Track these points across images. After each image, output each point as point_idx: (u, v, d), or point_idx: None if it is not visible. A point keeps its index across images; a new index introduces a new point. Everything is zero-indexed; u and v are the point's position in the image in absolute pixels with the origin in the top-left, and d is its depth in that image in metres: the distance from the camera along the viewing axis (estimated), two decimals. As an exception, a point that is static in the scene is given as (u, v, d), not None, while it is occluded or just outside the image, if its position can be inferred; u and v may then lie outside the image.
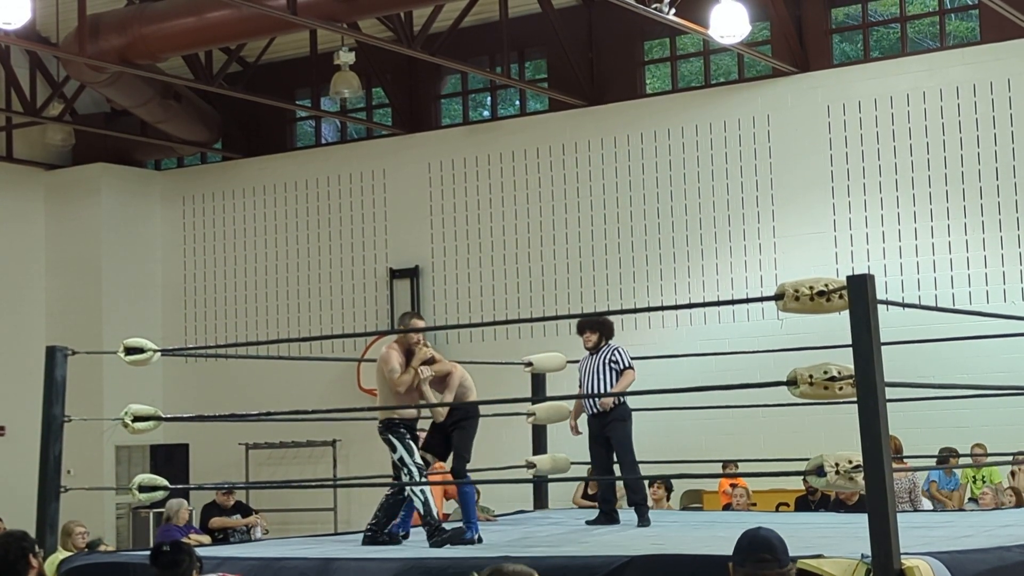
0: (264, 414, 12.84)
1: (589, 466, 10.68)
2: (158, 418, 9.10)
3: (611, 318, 10.94)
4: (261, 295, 20.85)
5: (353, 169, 20.32)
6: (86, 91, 19.73)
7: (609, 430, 10.28)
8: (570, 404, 10.85)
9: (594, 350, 10.37)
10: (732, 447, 14.94)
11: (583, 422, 10.72)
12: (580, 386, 10.49)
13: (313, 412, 12.15)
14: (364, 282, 20.08)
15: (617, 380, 10.22)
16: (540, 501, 12.21)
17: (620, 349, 10.45)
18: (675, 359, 14.20)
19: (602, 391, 10.18)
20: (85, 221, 20.94)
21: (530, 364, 11.18)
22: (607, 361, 10.31)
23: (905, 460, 13.04)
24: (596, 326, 10.40)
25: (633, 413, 10.78)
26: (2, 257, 20.58)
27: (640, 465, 10.65)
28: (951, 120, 16.39)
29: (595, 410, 10.35)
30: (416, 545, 9.18)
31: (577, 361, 10.79)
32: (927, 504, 13.66)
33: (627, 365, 10.31)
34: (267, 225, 20.91)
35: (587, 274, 18.40)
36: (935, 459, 13.83)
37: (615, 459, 10.36)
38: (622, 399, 10.33)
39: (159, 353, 9.23)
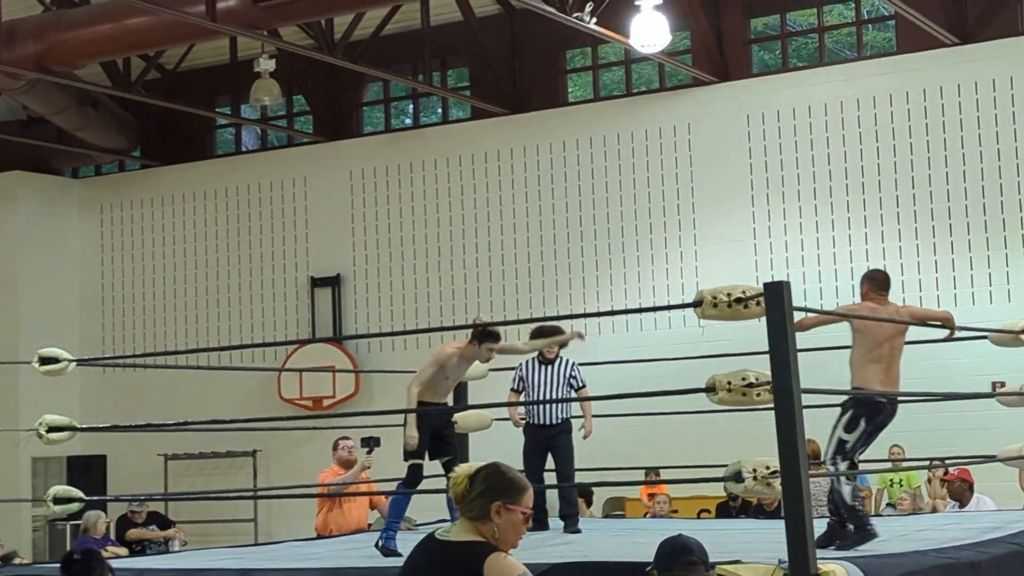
0: (182, 424, 12.67)
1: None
2: (73, 428, 8.95)
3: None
4: (180, 304, 20.65)
5: (274, 177, 20.18)
6: (1, 98, 19.44)
7: (556, 441, 10.24)
8: (493, 412, 10.83)
9: (552, 361, 10.31)
10: (654, 454, 14.99)
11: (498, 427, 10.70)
12: (531, 392, 10.32)
13: (232, 422, 12.03)
14: (285, 291, 19.95)
15: (573, 395, 10.25)
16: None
17: (577, 366, 10.44)
18: (598, 366, 14.22)
19: (557, 406, 10.15)
20: (1, 229, 20.62)
21: None
22: (566, 376, 10.27)
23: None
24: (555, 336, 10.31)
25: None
26: (-84, 266, 20.23)
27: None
28: (868, 129, 16.59)
29: (547, 421, 10.25)
30: (344, 554, 9.11)
31: (512, 368, 10.67)
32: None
33: (583, 384, 10.35)
34: (186, 233, 20.71)
35: (510, 282, 18.41)
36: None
37: (552, 469, 10.31)
38: (570, 414, 10.32)
39: (74, 363, 9.09)
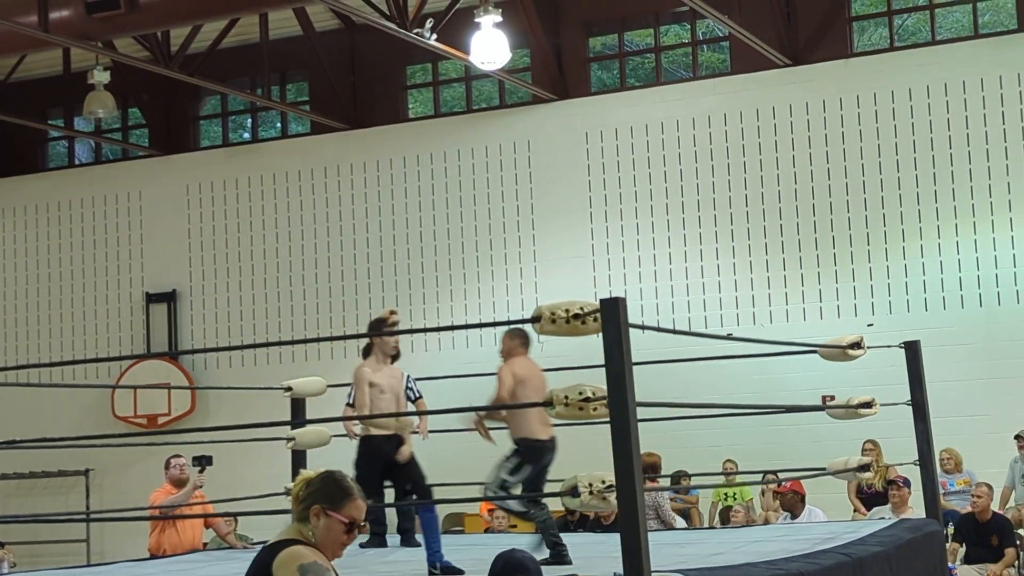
0: (10, 443, 12.34)
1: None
2: None
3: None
4: (11, 319, 20.12)
5: (108, 191, 19.80)
6: None
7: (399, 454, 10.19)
8: (331, 427, 10.73)
9: None
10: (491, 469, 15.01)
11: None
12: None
13: (63, 439, 11.75)
14: (119, 306, 19.57)
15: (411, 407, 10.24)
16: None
17: (411, 378, 10.43)
18: (437, 380, 14.22)
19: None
20: None
21: (290, 389, 11.03)
22: (405, 388, 10.25)
23: (658, 480, 13.33)
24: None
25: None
26: None
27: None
28: (703, 147, 16.92)
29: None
30: (176, 574, 8.96)
31: (343, 385, 10.62)
32: (681, 521, 13.99)
33: (419, 395, 10.35)
34: (16, 248, 20.20)
35: (349, 297, 18.33)
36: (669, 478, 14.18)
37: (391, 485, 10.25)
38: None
39: None
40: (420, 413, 10.38)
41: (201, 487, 11.44)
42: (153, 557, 11.18)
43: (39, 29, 14.68)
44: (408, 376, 10.37)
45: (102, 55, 17.12)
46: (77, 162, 20.91)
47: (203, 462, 11.24)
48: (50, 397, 18.85)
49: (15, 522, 17.64)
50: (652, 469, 13.37)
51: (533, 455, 8.44)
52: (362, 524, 4.38)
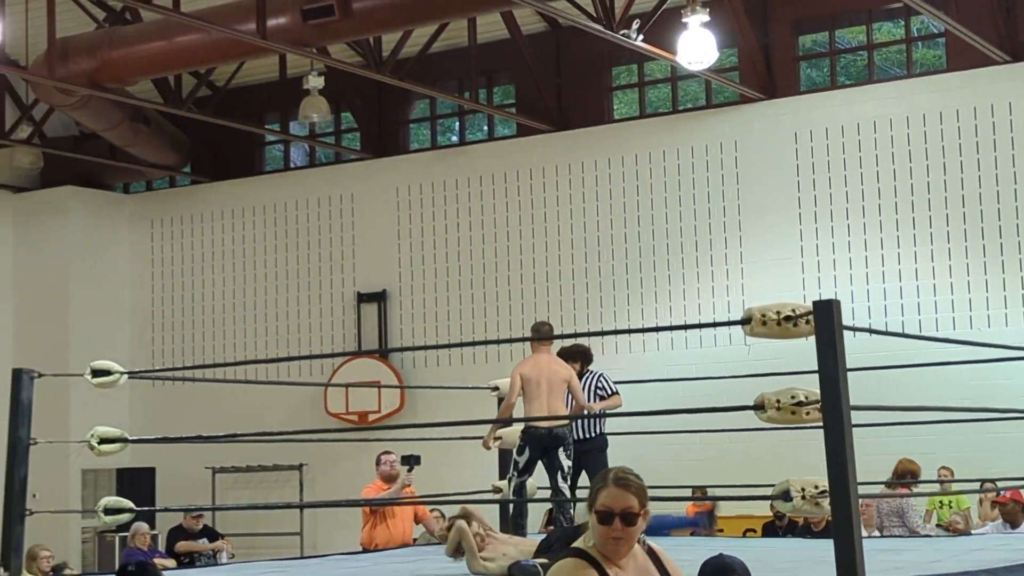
0: (230, 436, 12.78)
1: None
2: (124, 440, 9.03)
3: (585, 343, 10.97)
4: (229, 319, 20.79)
5: (321, 193, 20.31)
6: (55, 114, 19.67)
7: (588, 457, 10.23)
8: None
9: (580, 377, 10.33)
10: (699, 473, 14.95)
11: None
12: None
13: (279, 434, 12.11)
14: (332, 306, 20.05)
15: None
16: (505, 525, 12.16)
17: (604, 375, 10.46)
18: (642, 384, 14.21)
19: (588, 420, 10.18)
20: (53, 244, 20.84)
21: (496, 388, 11.18)
22: (592, 389, 10.30)
23: (895, 486, 12.99)
24: (577, 355, 10.38)
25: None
26: (-32, 279, 20.45)
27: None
28: (917, 147, 16.52)
29: (578, 436, 10.26)
30: (389, 568, 9.15)
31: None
32: (928, 528, 13.62)
33: (614, 391, 10.34)
34: (235, 249, 20.86)
35: (554, 299, 18.43)
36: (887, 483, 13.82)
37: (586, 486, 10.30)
38: (601, 429, 10.31)
39: (126, 376, 9.18)
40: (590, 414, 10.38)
41: (410, 486, 11.65)
42: (365, 551, 11.43)
43: (257, 36, 15.14)
44: (597, 374, 10.39)
45: (317, 61, 17.56)
46: (292, 165, 21.49)
47: (411, 462, 11.44)
48: (266, 394, 19.41)
49: (233, 509, 18.23)
50: (910, 475, 13.07)
51: (530, 441, 9.79)
52: (618, 512, 4.14)
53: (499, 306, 18.80)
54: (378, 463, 12.10)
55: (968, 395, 14.55)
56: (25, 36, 17.18)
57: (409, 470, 11.47)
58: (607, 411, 10.25)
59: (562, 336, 17.31)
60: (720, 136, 17.63)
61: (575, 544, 4.24)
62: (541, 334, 9.95)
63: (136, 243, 21.57)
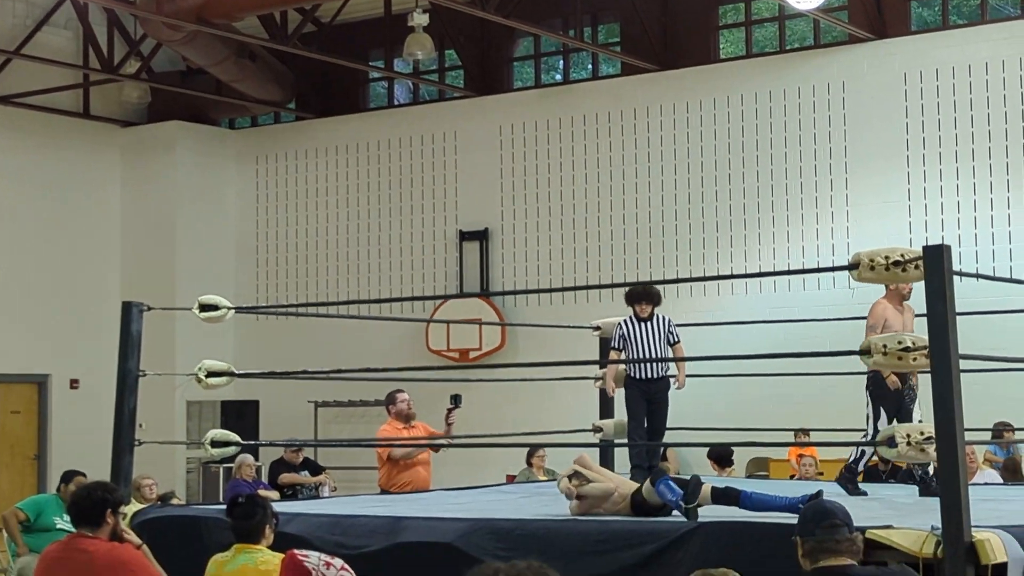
0: (333, 372, 12.93)
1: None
2: (231, 374, 9.18)
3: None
4: (332, 255, 20.98)
5: (424, 131, 20.36)
6: (162, 49, 19.89)
7: (657, 397, 10.35)
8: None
9: (649, 319, 10.40)
10: (800, 416, 14.85)
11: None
12: (633, 353, 10.39)
13: (383, 371, 12.21)
14: (434, 243, 20.14)
15: (671, 351, 10.37)
16: (605, 465, 12.20)
17: (671, 322, 10.50)
18: (741, 326, 14.14)
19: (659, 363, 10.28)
20: (160, 178, 21.15)
21: (598, 328, 11.20)
22: (666, 331, 10.37)
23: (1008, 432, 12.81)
24: (653, 297, 10.45)
25: (701, 380, 10.85)
26: (79, 213, 20.84)
27: (705, 432, 10.72)
28: (1031, 89, 16.15)
29: (651, 375, 10.34)
30: (491, 505, 9.22)
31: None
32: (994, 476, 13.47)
33: (678, 339, 10.44)
34: (339, 185, 21.02)
35: (656, 239, 18.35)
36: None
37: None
38: (667, 371, 10.41)
39: (233, 311, 9.31)
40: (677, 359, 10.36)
41: (452, 424, 11.58)
42: (384, 493, 11.34)
43: (363, -27, 15.15)
44: (667, 319, 10.40)
45: (421, -2, 17.56)
46: (396, 102, 21.55)
47: (456, 401, 11.42)
48: (368, 329, 19.58)
49: (336, 445, 18.49)
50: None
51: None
52: None
53: (600, 246, 18.75)
54: (392, 401, 11.88)
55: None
56: (134, -28, 17.37)
57: (452, 408, 11.43)
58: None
59: (667, 281, 17.26)
60: (828, 77, 17.37)
61: None
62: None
63: (241, 178, 21.81)
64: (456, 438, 11.90)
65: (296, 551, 5.37)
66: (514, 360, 17.58)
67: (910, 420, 8.95)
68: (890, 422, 8.96)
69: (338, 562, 3.99)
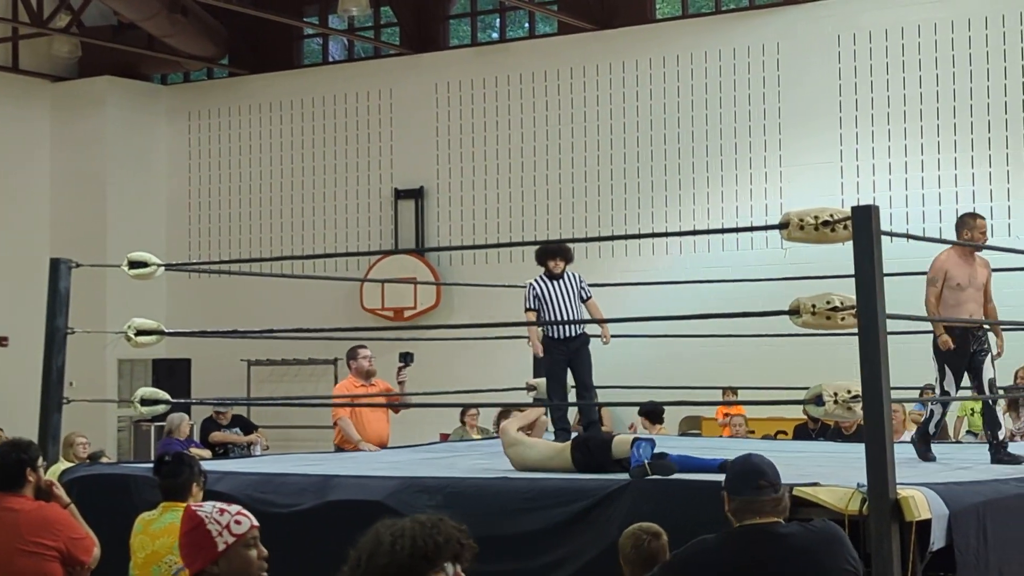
0: (266, 331, 12.88)
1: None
2: (161, 332, 9.12)
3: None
4: (265, 212, 20.84)
5: (359, 88, 20.22)
6: (93, 3, 19.61)
7: (578, 354, 10.23)
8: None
9: (560, 276, 10.29)
10: (732, 375, 14.98)
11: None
12: (548, 311, 10.29)
13: (316, 331, 12.15)
14: (369, 202, 20.06)
15: (585, 307, 10.25)
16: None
17: (583, 279, 10.38)
18: (675, 285, 14.20)
19: (577, 316, 10.15)
20: (90, 134, 20.89)
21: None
22: (579, 287, 10.25)
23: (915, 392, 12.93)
24: (564, 252, 10.32)
25: (634, 340, 10.86)
26: (7, 168, 20.56)
27: (633, 391, 10.76)
28: (961, 52, 16.29)
29: (568, 334, 10.22)
30: (422, 463, 9.23)
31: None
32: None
33: (590, 295, 10.31)
34: (272, 142, 20.85)
35: (591, 198, 18.38)
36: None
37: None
38: (583, 327, 10.30)
39: (163, 268, 9.23)
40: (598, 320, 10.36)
41: (403, 382, 11.47)
42: (340, 450, 11.23)
43: (297, -72, 14.99)
44: (578, 276, 10.29)
45: (356, -46, 17.39)
46: (330, 59, 21.39)
47: (407, 359, 11.34)
48: (302, 288, 19.49)
49: (268, 404, 18.42)
50: None
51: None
52: None
53: (536, 204, 18.76)
54: (354, 357, 11.62)
55: (1008, 302, 14.46)
56: (64, -76, 17.08)
57: (403, 367, 11.34)
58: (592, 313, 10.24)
59: (601, 239, 17.32)
60: (762, 38, 17.43)
61: None
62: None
63: (174, 134, 21.59)
64: (390, 396, 11.81)
65: (192, 503, 5.34)
66: (449, 319, 17.58)
67: (979, 378, 8.84)
68: (958, 381, 8.83)
69: (233, 508, 3.96)
